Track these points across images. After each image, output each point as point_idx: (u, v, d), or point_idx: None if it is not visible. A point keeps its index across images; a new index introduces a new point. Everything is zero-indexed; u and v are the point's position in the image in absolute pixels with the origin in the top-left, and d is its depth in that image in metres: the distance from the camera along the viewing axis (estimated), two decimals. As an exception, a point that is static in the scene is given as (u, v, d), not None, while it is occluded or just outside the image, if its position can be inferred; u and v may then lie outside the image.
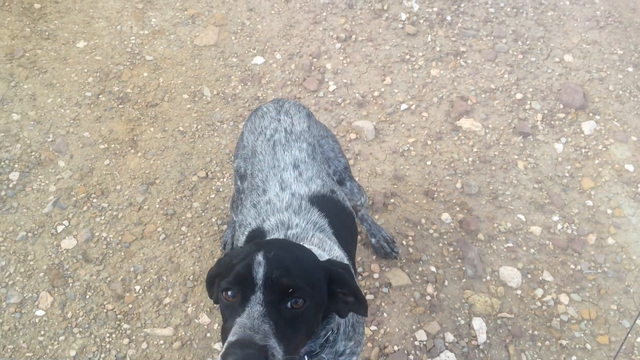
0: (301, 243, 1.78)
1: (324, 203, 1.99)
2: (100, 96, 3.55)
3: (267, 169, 2.07)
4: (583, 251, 3.01)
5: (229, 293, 1.38)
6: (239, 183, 2.38)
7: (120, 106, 3.51)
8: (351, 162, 3.31)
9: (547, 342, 2.74)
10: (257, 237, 1.93)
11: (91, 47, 3.77)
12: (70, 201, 3.13)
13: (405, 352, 2.69)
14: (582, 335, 2.77)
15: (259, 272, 1.34)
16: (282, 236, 1.86)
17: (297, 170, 2.03)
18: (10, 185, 3.17)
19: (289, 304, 1.35)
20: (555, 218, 3.12)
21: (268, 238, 1.85)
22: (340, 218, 2.05)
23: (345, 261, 1.87)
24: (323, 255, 1.71)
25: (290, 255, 1.42)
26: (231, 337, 1.26)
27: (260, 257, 1.37)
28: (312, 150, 2.15)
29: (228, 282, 1.37)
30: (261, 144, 2.16)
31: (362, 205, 2.65)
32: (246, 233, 2.01)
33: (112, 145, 3.35)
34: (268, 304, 1.33)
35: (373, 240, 2.93)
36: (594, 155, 3.36)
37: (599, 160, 3.34)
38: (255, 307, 1.32)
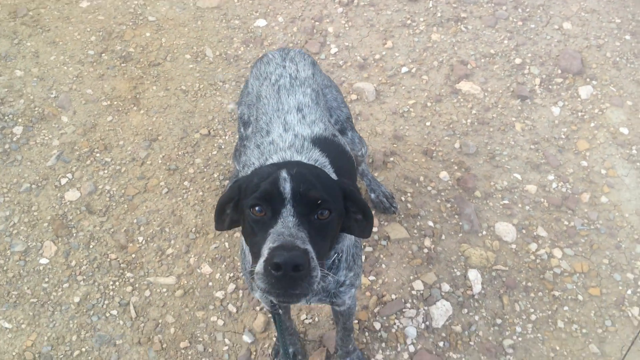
0: None
1: (326, 145, 2.03)
2: (103, 55, 3.57)
3: (272, 112, 2.11)
4: (577, 209, 3.08)
5: (257, 208, 1.44)
6: (242, 130, 2.42)
7: (122, 65, 3.53)
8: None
9: (540, 293, 2.82)
10: None
11: (94, 7, 3.79)
12: (73, 155, 3.17)
13: (403, 300, 2.76)
14: (574, 287, 2.85)
15: (286, 187, 1.41)
16: None
17: (301, 113, 2.08)
18: (14, 139, 3.20)
19: (316, 216, 1.43)
20: (551, 177, 3.19)
21: None
22: (341, 160, 2.09)
23: None
24: None
25: (311, 171, 1.49)
26: (272, 244, 1.33)
27: (284, 174, 1.43)
28: (316, 96, 2.19)
29: (256, 198, 1.43)
30: (266, 89, 2.20)
31: (363, 156, 2.70)
32: (249, 172, 2.06)
33: (115, 103, 3.38)
34: (299, 215, 1.40)
35: (372, 195, 2.98)
36: (590, 119, 3.42)
37: (594, 123, 3.40)
38: (288, 219, 1.39)
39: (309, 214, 1.42)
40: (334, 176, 1.91)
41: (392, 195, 3.01)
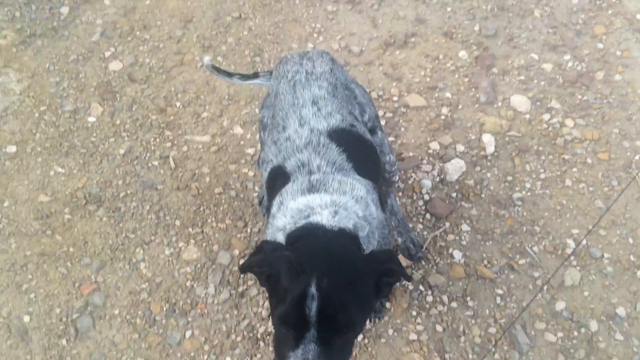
0: (322, 192, 1.74)
1: (342, 137, 1.96)
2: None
3: (287, 106, 2.07)
4: (591, 85, 3.21)
5: (281, 328, 1.40)
6: (261, 133, 2.39)
7: (159, -44, 3.74)
8: (374, 6, 3.52)
9: (550, 157, 2.98)
10: (278, 175, 1.92)
11: None
12: (115, 32, 3.42)
13: (420, 157, 2.96)
14: (584, 152, 3.00)
15: (312, 309, 1.32)
16: (305, 182, 1.79)
17: (316, 106, 2.03)
18: (62, 18, 3.46)
19: (340, 335, 1.38)
20: (567, 57, 3.31)
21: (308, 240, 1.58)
22: (360, 149, 2.04)
23: (369, 190, 1.85)
24: (347, 204, 1.69)
25: (343, 279, 1.39)
26: None
27: (313, 289, 1.33)
28: (333, 89, 2.12)
29: (280, 318, 1.38)
30: (283, 86, 2.18)
31: (391, 164, 2.49)
32: (268, 169, 2.04)
33: (153, -12, 3.60)
34: (322, 342, 1.35)
35: (400, 239, 2.69)
36: (607, 7, 3.51)
37: (612, 10, 3.49)
38: (309, 346, 1.35)
39: (333, 336, 1.36)
40: (351, 182, 1.79)
41: (420, 245, 2.69)
